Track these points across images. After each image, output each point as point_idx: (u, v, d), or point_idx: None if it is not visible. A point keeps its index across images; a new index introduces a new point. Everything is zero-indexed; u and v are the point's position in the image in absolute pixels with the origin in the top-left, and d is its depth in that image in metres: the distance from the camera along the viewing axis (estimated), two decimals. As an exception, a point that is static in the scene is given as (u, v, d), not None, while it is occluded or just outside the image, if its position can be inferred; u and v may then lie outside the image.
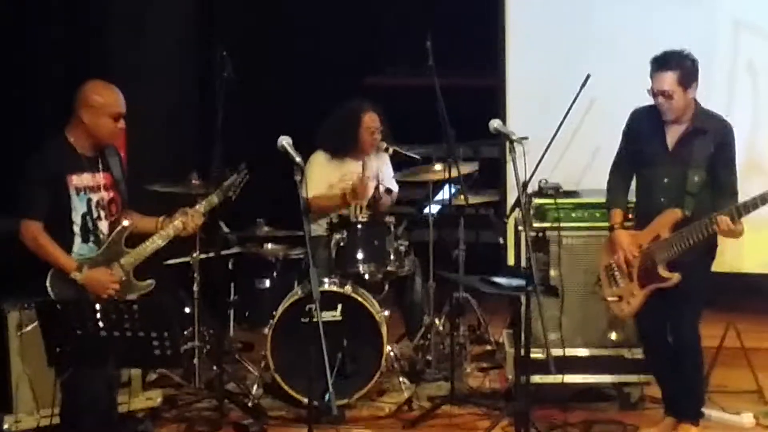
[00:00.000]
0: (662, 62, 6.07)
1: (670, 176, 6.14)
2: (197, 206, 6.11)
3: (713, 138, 6.09)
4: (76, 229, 5.73)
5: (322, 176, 7.44)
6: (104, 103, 5.75)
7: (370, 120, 7.52)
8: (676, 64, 6.05)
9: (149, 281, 5.89)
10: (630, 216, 6.38)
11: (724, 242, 6.19)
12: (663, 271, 6.13)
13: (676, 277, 6.10)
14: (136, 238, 5.91)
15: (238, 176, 6.37)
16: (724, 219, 5.90)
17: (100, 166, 5.83)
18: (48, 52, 7.87)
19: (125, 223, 5.86)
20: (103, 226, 5.82)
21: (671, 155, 6.15)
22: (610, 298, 6.35)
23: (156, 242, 5.91)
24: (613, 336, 6.80)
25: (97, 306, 5.23)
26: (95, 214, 5.79)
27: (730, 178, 6.11)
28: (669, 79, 6.04)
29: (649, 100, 6.20)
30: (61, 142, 5.75)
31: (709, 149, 6.07)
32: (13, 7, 7.60)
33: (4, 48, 7.52)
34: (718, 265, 6.29)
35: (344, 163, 7.55)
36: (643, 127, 6.26)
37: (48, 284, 5.63)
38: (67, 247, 5.70)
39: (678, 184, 6.11)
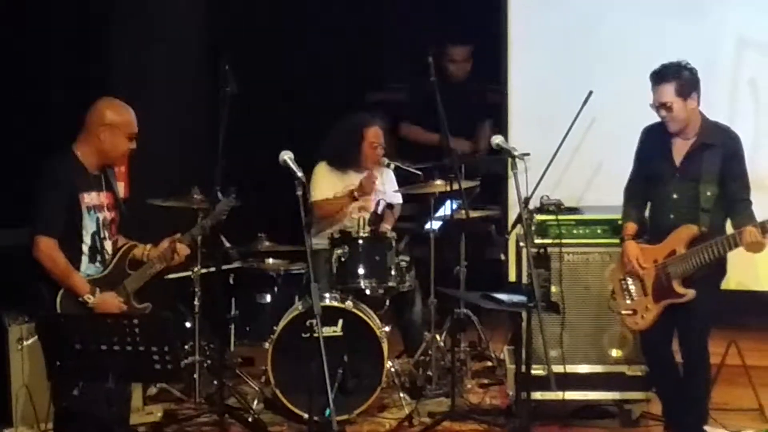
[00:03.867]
0: (660, 75, 6.12)
1: (679, 192, 6.14)
2: (193, 230, 6.12)
3: (722, 151, 6.09)
4: (85, 248, 5.68)
5: (327, 185, 7.46)
6: (122, 122, 5.71)
7: (373, 135, 7.53)
8: (673, 76, 6.09)
9: (146, 304, 5.86)
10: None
11: (734, 259, 6.19)
12: (678, 287, 6.11)
13: (691, 293, 6.09)
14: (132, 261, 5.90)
15: (227, 200, 6.37)
16: (752, 231, 5.90)
17: (104, 184, 5.80)
18: (51, 65, 7.85)
19: (129, 243, 5.85)
20: (108, 246, 5.79)
21: (679, 171, 6.15)
22: (624, 312, 6.32)
23: (155, 266, 5.87)
24: (614, 353, 6.79)
25: (98, 320, 5.23)
26: (102, 234, 5.75)
27: (742, 189, 6.10)
28: (668, 91, 6.07)
29: (654, 117, 6.21)
30: (70, 158, 5.69)
31: (718, 163, 6.08)
32: (17, 12, 7.59)
33: (6, 53, 7.51)
34: (724, 283, 6.28)
35: (347, 176, 7.56)
36: (652, 144, 6.28)
37: (58, 304, 5.57)
38: (75, 267, 5.65)
39: (688, 200, 6.11)
